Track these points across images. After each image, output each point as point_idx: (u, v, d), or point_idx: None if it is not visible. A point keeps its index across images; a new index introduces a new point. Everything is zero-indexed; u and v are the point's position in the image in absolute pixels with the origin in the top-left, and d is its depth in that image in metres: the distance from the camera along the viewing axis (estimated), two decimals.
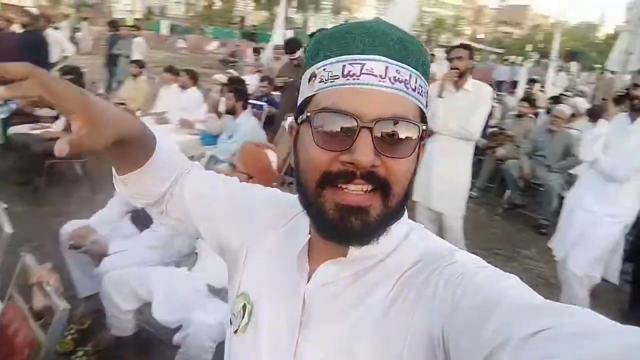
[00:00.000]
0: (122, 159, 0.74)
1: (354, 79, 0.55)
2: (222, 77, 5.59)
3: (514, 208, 5.60)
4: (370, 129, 0.54)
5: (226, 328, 0.77)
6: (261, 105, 5.74)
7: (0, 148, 4.82)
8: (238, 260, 0.77)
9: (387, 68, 0.55)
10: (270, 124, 5.34)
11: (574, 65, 18.93)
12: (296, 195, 0.70)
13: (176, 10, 41.93)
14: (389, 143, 0.55)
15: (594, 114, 4.87)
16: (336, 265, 0.64)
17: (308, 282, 0.66)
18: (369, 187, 0.56)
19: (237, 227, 0.78)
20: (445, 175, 3.31)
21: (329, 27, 0.67)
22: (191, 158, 3.41)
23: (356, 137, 0.54)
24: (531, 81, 11.02)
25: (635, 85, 2.79)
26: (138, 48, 8.50)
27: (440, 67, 4.25)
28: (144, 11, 32.49)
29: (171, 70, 6.17)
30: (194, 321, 2.02)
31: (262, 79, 6.90)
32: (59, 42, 7.89)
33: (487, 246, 4.56)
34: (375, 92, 0.55)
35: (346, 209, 0.56)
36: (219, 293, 2.22)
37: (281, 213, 0.77)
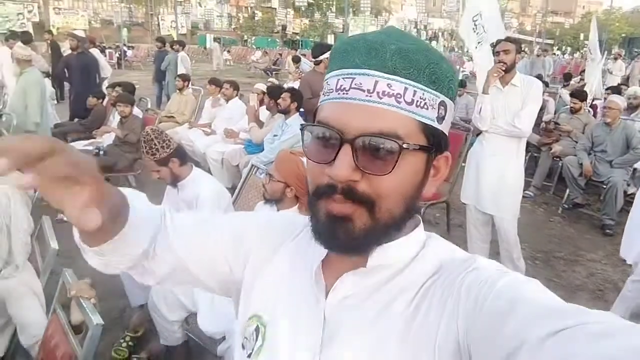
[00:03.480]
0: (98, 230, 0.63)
1: (343, 94, 0.56)
2: (262, 86, 5.65)
3: (575, 207, 5.23)
4: (352, 144, 0.54)
5: (236, 352, 0.73)
6: (302, 112, 5.76)
7: None
8: (245, 285, 0.74)
9: (376, 82, 0.54)
10: None
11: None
12: (291, 214, 0.75)
13: (220, 24, 43.17)
14: (370, 158, 0.54)
15: None
16: (356, 276, 0.63)
17: (326, 297, 0.64)
18: (349, 202, 0.56)
19: (239, 254, 0.74)
20: (495, 175, 3.14)
21: (367, 30, 0.64)
22: (236, 167, 3.44)
23: (337, 152, 0.54)
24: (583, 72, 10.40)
25: None
26: (183, 62, 8.77)
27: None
28: (189, 27, 33.70)
29: (215, 82, 6.33)
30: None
31: None
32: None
33: (546, 249, 4.30)
34: (362, 107, 0.54)
35: (333, 217, 0.57)
36: None
37: (285, 231, 0.75)
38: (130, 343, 2.61)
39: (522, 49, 3.11)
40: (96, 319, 1.31)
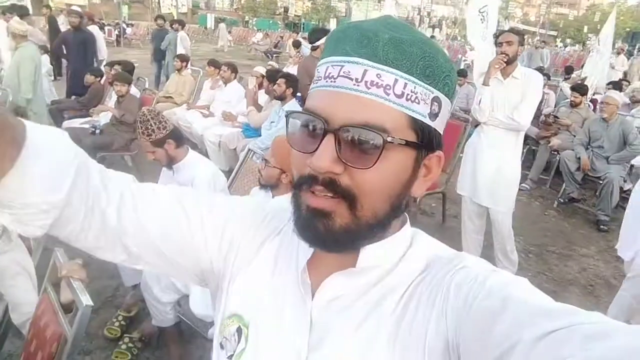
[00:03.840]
0: None
1: (331, 81, 0.54)
2: (261, 69, 5.60)
3: (571, 202, 5.25)
4: (335, 134, 0.51)
5: (214, 351, 0.69)
6: (300, 97, 5.72)
7: None
8: (223, 280, 0.69)
9: (365, 71, 0.52)
10: None
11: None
12: (276, 203, 0.69)
13: (221, 4, 42.61)
14: (353, 151, 0.52)
15: None
16: (345, 277, 0.60)
17: (313, 297, 0.61)
18: (330, 195, 0.53)
19: (220, 245, 0.68)
20: (492, 168, 3.14)
21: (370, 16, 0.62)
22: (234, 150, 3.43)
23: (320, 141, 0.52)
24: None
25: None
26: (183, 42, 8.67)
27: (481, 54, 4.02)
28: (190, 6, 33.27)
29: (214, 63, 6.26)
30: None
31: None
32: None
33: (539, 242, 4.32)
34: (349, 97, 0.52)
35: (313, 211, 0.54)
36: None
37: (268, 223, 0.70)
38: (122, 322, 2.62)
39: (525, 40, 3.06)
40: (85, 300, 1.31)
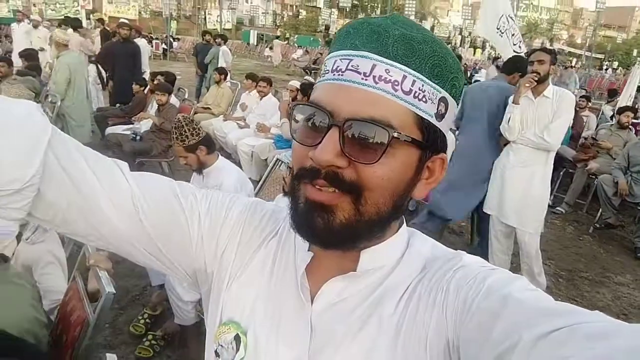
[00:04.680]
0: None
1: (338, 75, 0.53)
2: (296, 83, 5.73)
3: (607, 228, 5.04)
4: (340, 128, 0.50)
5: (206, 358, 0.67)
6: None
7: (100, 146, 5.33)
8: (217, 283, 0.66)
9: (374, 66, 0.51)
10: None
11: None
12: (271, 203, 0.68)
13: (264, 21, 43.77)
14: (358, 145, 0.51)
15: None
16: (346, 281, 0.59)
17: (312, 302, 0.60)
18: (333, 189, 0.52)
19: (212, 244, 0.65)
20: (520, 187, 3.09)
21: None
22: (265, 160, 3.52)
23: (324, 134, 0.51)
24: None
25: None
26: (224, 56, 8.98)
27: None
28: (234, 22, 34.35)
29: (252, 77, 6.47)
30: None
31: None
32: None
33: (571, 267, 4.17)
34: (357, 91, 0.51)
35: (312, 205, 0.53)
36: None
37: (265, 225, 0.68)
38: (147, 320, 2.71)
39: (557, 60, 3.02)
40: (109, 288, 1.39)
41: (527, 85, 2.94)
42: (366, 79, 0.51)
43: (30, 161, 0.49)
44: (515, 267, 3.46)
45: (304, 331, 0.59)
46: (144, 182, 0.61)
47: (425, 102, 0.53)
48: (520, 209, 3.12)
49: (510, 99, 3.05)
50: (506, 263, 3.42)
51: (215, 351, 0.64)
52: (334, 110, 0.51)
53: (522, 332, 0.42)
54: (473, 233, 4.42)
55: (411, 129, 0.52)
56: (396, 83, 0.51)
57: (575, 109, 4.22)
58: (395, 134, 0.50)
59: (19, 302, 1.46)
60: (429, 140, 0.54)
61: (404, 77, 0.51)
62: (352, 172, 0.51)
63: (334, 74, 0.53)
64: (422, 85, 0.52)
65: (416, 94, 0.52)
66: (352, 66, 0.52)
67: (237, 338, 0.62)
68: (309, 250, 0.61)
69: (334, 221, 0.53)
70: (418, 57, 0.52)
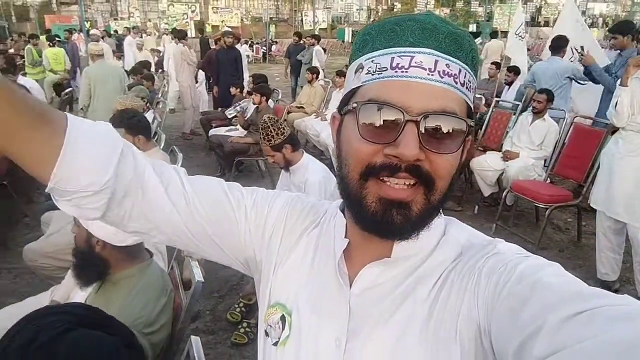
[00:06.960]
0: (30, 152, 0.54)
1: (402, 72, 0.54)
2: None
3: None
4: (417, 123, 0.53)
5: (260, 340, 0.73)
6: None
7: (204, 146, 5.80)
8: (265, 270, 0.73)
9: (436, 62, 0.54)
10: None
11: None
12: (312, 198, 0.75)
13: (359, 17, 43.77)
14: (434, 138, 0.54)
15: None
16: (381, 266, 0.62)
17: (350, 286, 0.64)
18: (412, 181, 0.55)
19: (259, 234, 0.72)
20: (631, 178, 2.78)
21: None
22: None
23: (401, 131, 0.53)
24: None
25: None
26: (317, 56, 9.19)
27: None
28: (329, 21, 34.88)
29: (342, 74, 6.54)
30: None
31: None
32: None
33: None
34: (424, 86, 0.54)
35: (389, 202, 0.55)
36: None
37: (306, 216, 0.74)
38: (243, 309, 2.89)
39: None
40: (198, 276, 1.51)
41: (636, 65, 2.63)
42: (432, 74, 0.54)
43: (106, 169, 0.57)
44: (627, 268, 3.12)
45: (343, 313, 0.63)
46: (198, 184, 0.69)
47: (470, 91, 0.58)
48: (630, 203, 2.81)
49: (618, 81, 2.75)
50: (616, 262, 3.09)
51: (265, 331, 0.70)
52: (406, 106, 0.53)
53: (548, 316, 0.43)
54: (580, 229, 4.05)
55: (466, 116, 0.56)
56: (456, 76, 0.55)
57: None
58: (471, 123, 0.55)
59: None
60: (473, 124, 0.58)
61: (460, 70, 0.55)
62: (427, 163, 0.55)
63: (395, 71, 0.55)
64: (469, 77, 0.57)
65: (466, 85, 0.57)
66: (415, 63, 0.54)
67: (282, 318, 0.68)
68: (345, 237, 0.66)
69: (411, 215, 0.56)
70: (463, 50, 0.56)
